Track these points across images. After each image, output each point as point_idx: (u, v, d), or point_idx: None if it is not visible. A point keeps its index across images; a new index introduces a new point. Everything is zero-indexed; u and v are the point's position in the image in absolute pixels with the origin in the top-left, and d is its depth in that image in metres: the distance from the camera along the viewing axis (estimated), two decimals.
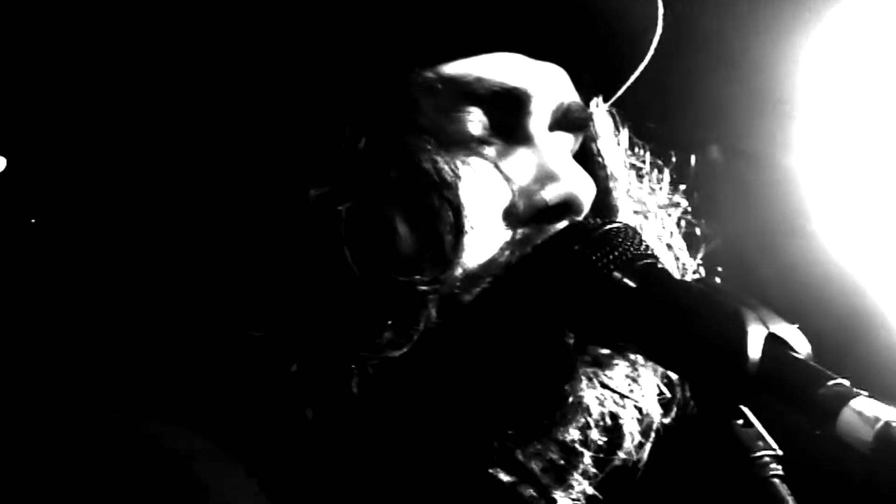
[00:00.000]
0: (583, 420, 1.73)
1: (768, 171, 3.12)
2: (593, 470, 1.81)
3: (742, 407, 1.49)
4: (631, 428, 1.81)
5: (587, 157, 1.79)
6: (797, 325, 1.51)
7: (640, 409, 1.81)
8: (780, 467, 1.47)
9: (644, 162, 1.91)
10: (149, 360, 1.61)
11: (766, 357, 1.46)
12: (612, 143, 1.85)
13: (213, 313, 1.56)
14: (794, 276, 3.13)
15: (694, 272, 1.87)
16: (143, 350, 1.61)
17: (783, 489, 1.46)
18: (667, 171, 1.93)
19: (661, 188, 1.91)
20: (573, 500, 1.80)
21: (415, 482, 1.65)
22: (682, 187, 1.94)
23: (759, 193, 3.13)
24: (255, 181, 1.56)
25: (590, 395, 1.72)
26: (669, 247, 1.86)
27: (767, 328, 1.48)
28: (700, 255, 1.90)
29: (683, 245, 1.89)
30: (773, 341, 1.48)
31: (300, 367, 1.53)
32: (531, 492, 1.75)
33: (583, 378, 1.69)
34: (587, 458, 1.79)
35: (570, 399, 1.69)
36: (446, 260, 1.55)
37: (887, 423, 1.37)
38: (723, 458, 1.49)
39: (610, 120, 1.87)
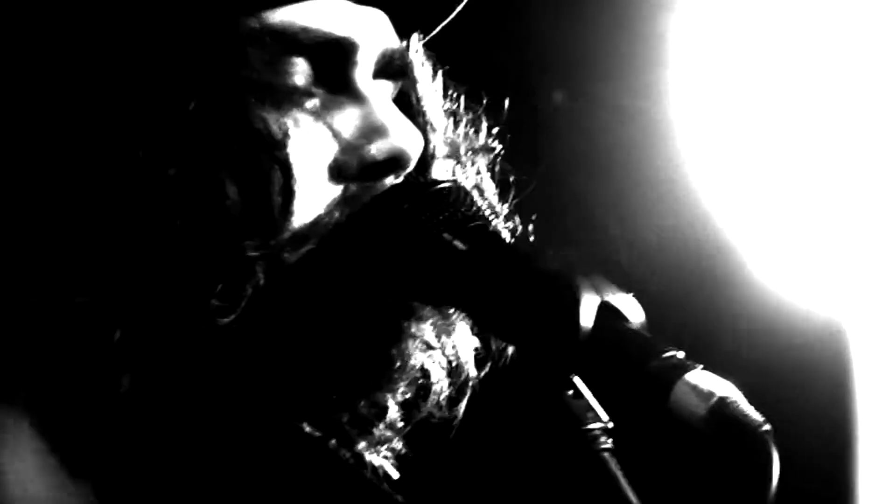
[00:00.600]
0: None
1: (623, 118, 3.07)
2: (400, 423, 1.76)
3: (573, 377, 1.44)
4: (439, 380, 1.75)
5: (406, 105, 1.72)
6: (632, 293, 1.46)
7: (450, 362, 1.75)
8: (609, 440, 1.43)
9: (459, 106, 1.84)
10: None
11: (598, 326, 1.42)
12: (431, 88, 1.78)
13: (33, 278, 1.47)
14: (644, 233, 3.10)
15: (519, 228, 1.83)
16: None
17: (613, 463, 1.42)
18: (484, 116, 1.86)
19: (477, 133, 1.85)
20: (381, 456, 1.76)
21: (224, 445, 1.59)
22: (496, 131, 1.87)
23: (612, 142, 3.08)
24: (80, 143, 1.46)
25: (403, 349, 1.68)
26: (481, 191, 1.80)
27: (601, 296, 1.43)
28: (515, 201, 1.85)
29: (495, 190, 1.83)
30: (606, 310, 1.43)
31: (123, 333, 1.45)
32: (336, 444, 1.71)
33: (407, 338, 1.63)
34: (393, 410, 1.73)
35: (398, 363, 1.65)
36: (275, 224, 1.49)
37: (721, 399, 1.35)
38: (552, 428, 1.45)
39: (428, 63, 1.79)
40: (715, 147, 3.21)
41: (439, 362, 1.74)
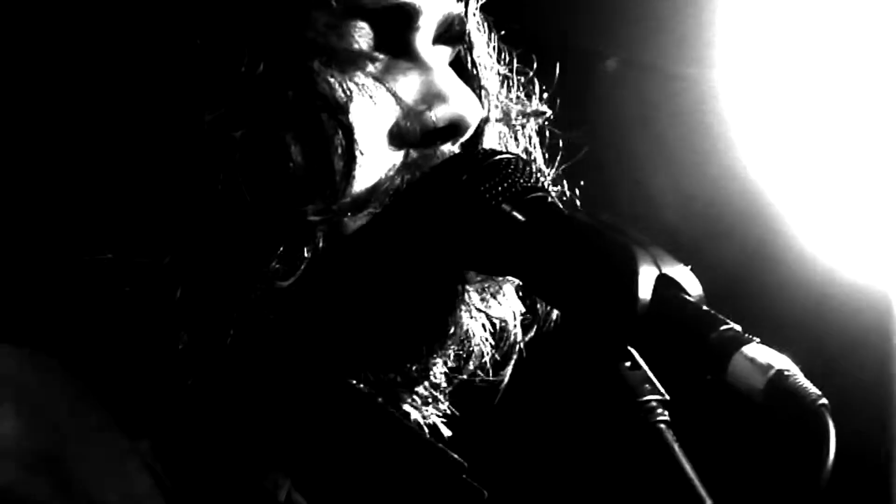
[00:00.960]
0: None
1: (675, 86, 3.05)
2: (444, 384, 1.77)
3: (630, 349, 1.45)
4: (482, 343, 1.75)
5: (461, 69, 1.72)
6: (690, 266, 1.46)
7: (495, 325, 1.75)
8: (666, 412, 1.43)
9: (512, 69, 1.84)
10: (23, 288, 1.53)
11: (657, 298, 1.42)
12: (485, 52, 1.78)
13: (98, 239, 1.48)
14: (696, 200, 3.09)
15: (566, 193, 1.82)
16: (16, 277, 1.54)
17: (669, 435, 1.42)
18: (535, 80, 1.87)
19: (528, 97, 1.85)
20: (423, 415, 1.76)
21: (277, 401, 1.61)
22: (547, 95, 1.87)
23: (664, 109, 3.07)
24: (150, 103, 1.47)
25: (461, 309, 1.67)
26: (529, 155, 1.81)
27: (659, 269, 1.43)
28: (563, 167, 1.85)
29: (541, 155, 1.84)
30: (664, 282, 1.43)
31: (184, 293, 1.47)
32: (383, 401, 1.71)
33: (460, 305, 1.64)
34: (438, 371, 1.74)
35: (452, 329, 1.65)
36: (336, 188, 1.50)
37: (779, 372, 1.35)
38: (608, 399, 1.45)
39: (484, 27, 1.79)
40: (763, 118, 3.18)
41: (483, 325, 1.74)
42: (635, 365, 1.45)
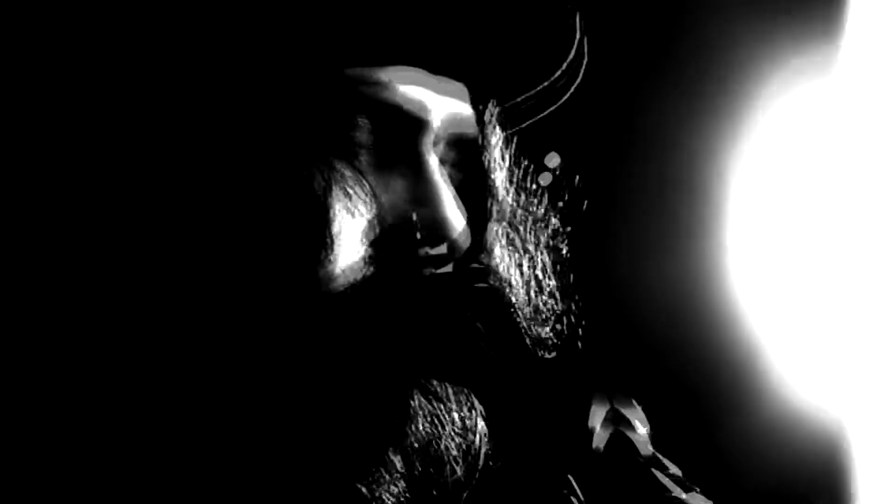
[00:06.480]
0: (407, 446, 1.66)
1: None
2: (406, 494, 1.73)
3: (569, 477, 1.45)
4: (454, 457, 1.72)
5: (470, 172, 1.71)
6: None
7: (464, 438, 1.68)
8: None
9: (529, 180, 1.81)
10: None
11: (604, 432, 1.42)
12: (499, 158, 1.77)
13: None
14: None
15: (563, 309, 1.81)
16: None
17: None
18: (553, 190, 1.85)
19: (542, 208, 1.82)
20: None
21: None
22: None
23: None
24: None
25: (423, 417, 1.64)
26: (533, 266, 1.77)
27: (612, 405, 1.43)
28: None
29: (552, 273, 1.82)
30: (614, 417, 1.43)
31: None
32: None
33: (420, 408, 1.62)
34: (403, 482, 1.66)
35: (402, 429, 1.62)
36: (304, 277, 1.47)
37: None
38: None
39: (499, 131, 1.78)
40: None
41: (456, 440, 1.71)
42: (573, 493, 1.45)
